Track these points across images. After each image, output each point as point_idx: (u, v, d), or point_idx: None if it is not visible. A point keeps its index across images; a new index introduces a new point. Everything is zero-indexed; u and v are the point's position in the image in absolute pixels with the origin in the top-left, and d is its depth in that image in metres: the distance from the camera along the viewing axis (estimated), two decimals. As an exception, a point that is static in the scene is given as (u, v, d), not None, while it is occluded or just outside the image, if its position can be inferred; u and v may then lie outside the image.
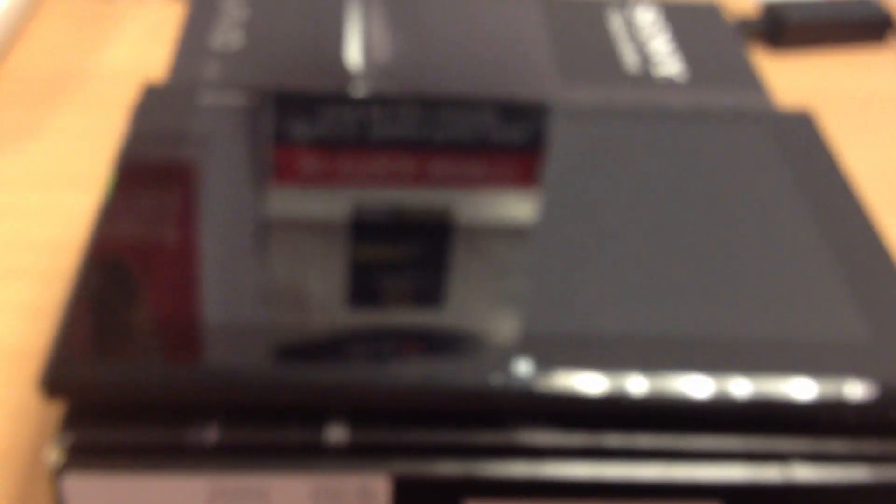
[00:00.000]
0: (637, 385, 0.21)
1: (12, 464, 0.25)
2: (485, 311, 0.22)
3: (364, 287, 0.22)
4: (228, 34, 0.33)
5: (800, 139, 0.30)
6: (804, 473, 0.21)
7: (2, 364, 0.27)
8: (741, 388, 0.21)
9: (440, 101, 0.29)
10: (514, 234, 0.25)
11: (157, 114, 0.27)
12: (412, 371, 0.21)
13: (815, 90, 0.44)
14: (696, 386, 0.21)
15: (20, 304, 0.29)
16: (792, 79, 0.44)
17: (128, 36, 0.42)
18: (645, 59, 0.34)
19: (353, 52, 0.32)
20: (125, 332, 0.21)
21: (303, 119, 0.28)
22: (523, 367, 0.21)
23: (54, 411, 0.26)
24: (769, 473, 0.21)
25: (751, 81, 0.33)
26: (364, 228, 0.24)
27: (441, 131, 0.28)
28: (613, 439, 0.21)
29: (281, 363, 0.20)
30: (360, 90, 0.30)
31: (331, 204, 0.25)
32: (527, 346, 0.21)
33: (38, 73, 0.40)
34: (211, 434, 0.20)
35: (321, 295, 0.22)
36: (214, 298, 0.22)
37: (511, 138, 0.28)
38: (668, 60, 0.34)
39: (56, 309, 0.29)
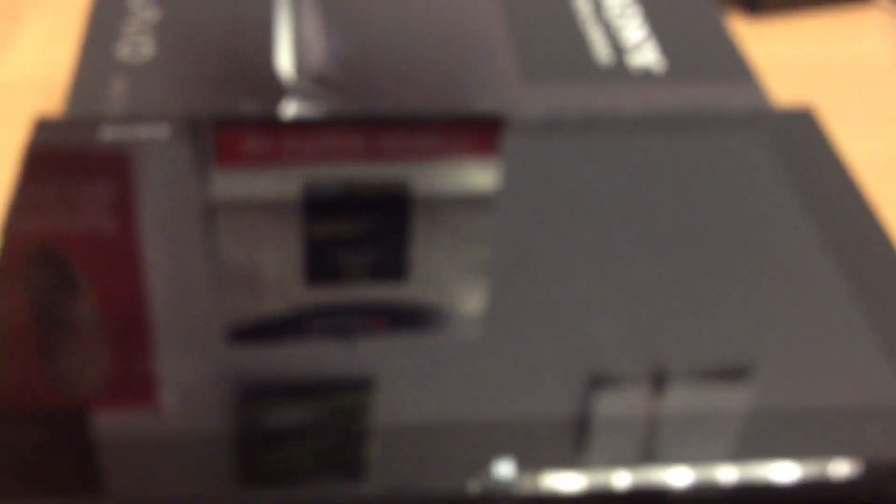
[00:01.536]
0: (627, 480, 0.17)
1: None
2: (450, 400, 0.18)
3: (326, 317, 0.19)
4: (137, 40, 0.28)
5: (802, 144, 0.26)
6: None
7: None
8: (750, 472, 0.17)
9: (385, 121, 0.25)
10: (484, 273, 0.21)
11: (51, 161, 0.22)
12: (381, 483, 0.17)
13: (797, 58, 0.40)
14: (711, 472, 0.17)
15: None
16: (772, 46, 0.40)
17: (30, 35, 0.37)
18: (617, 46, 0.30)
19: (284, 58, 0.28)
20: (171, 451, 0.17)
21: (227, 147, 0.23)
22: (503, 468, 0.17)
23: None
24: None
25: (738, 69, 0.29)
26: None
27: (387, 153, 0.24)
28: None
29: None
30: (293, 108, 0.26)
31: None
32: (503, 439, 0.18)
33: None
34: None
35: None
36: (97, 355, 0.18)
37: (469, 162, 0.24)
38: (643, 46, 0.30)
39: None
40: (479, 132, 0.25)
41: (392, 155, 0.24)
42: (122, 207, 0.22)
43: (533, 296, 0.21)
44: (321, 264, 0.21)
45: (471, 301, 0.21)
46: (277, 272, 0.21)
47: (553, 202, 0.23)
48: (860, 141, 0.36)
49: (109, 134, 0.23)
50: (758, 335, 0.20)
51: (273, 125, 0.24)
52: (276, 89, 0.27)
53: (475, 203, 0.23)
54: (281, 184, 0.23)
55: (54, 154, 0.23)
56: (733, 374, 0.20)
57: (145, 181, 0.23)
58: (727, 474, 0.18)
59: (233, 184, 0.23)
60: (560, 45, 0.30)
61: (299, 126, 0.25)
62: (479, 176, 0.24)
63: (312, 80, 0.27)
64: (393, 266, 0.21)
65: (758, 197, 0.24)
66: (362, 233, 0.22)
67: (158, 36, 0.28)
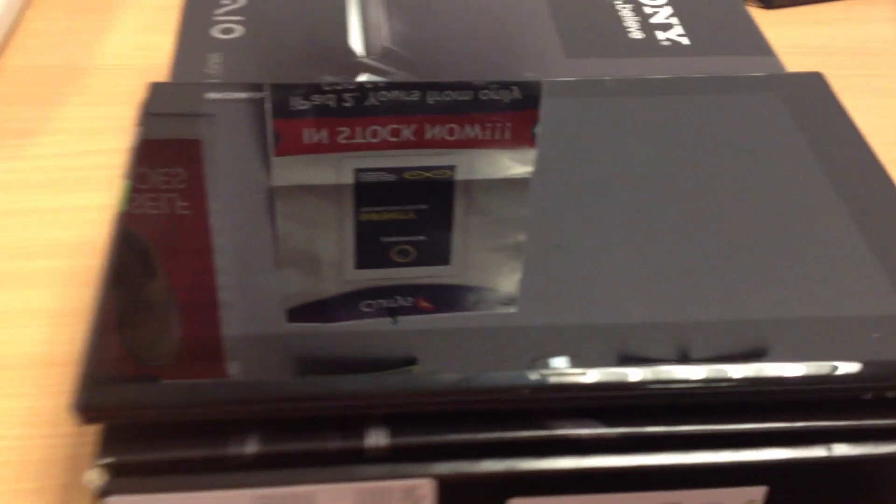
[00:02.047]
0: (675, 373, 0.21)
1: (50, 479, 0.25)
2: (514, 301, 0.22)
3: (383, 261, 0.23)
4: (228, 23, 0.32)
5: (812, 100, 0.29)
6: (847, 451, 0.21)
7: (30, 373, 0.27)
8: (782, 371, 0.21)
9: (440, 84, 0.28)
10: (527, 216, 0.24)
11: (164, 113, 0.27)
12: (447, 373, 0.20)
13: (808, 43, 0.43)
14: (734, 371, 0.21)
15: (42, 311, 0.29)
16: (784, 32, 0.44)
17: (126, 24, 0.42)
18: (647, 24, 0.34)
19: (354, 37, 0.32)
20: (156, 349, 0.20)
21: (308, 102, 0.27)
22: (559, 362, 0.21)
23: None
24: (813, 453, 0.21)
25: (756, 44, 0.33)
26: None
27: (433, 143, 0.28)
28: (655, 428, 0.21)
29: (314, 372, 0.20)
30: (363, 77, 0.30)
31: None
32: (561, 338, 0.21)
33: (38, 67, 0.39)
34: (251, 446, 0.20)
35: (338, 276, 0.22)
36: (244, 309, 0.21)
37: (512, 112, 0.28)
38: (671, 24, 0.34)
39: (79, 315, 0.29)
40: (517, 125, 0.28)
41: (436, 144, 0.27)
42: (198, 180, 0.26)
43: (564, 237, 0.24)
44: (370, 246, 0.23)
45: (510, 282, 0.23)
46: (331, 254, 0.23)
47: (586, 158, 0.27)
48: (866, 112, 0.39)
49: (212, 95, 0.28)
50: (774, 266, 0.24)
51: (327, 116, 0.27)
52: (349, 65, 0.31)
53: (514, 187, 0.25)
54: (335, 170, 0.25)
55: (165, 112, 0.27)
56: (754, 291, 0.23)
57: (216, 155, 0.26)
58: (745, 372, 0.21)
59: (291, 170, 0.25)
60: (596, 24, 0.33)
61: (350, 116, 0.27)
62: (516, 165, 0.26)
63: (379, 56, 0.31)
64: (438, 249, 0.23)
65: (773, 148, 0.27)
66: (409, 217, 0.24)
67: (246, 19, 0.32)
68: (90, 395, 0.19)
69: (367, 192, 0.25)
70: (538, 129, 0.28)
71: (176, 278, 0.22)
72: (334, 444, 0.20)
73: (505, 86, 0.29)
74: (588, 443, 0.21)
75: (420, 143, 0.27)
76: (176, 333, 0.21)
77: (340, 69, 0.30)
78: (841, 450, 0.21)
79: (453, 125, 0.27)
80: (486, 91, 0.29)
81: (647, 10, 0.34)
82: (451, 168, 0.26)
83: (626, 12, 0.34)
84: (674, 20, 0.34)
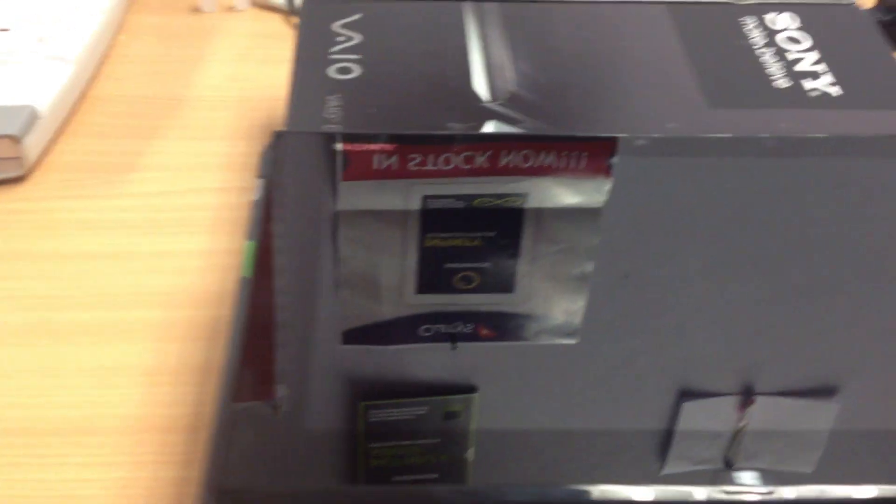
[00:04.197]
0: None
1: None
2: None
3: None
4: (346, 60, 0.30)
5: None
6: None
7: (123, 440, 0.25)
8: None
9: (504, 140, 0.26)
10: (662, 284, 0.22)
11: (289, 168, 0.25)
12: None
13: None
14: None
15: (137, 368, 0.27)
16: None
17: (220, 52, 0.40)
18: (792, 71, 0.31)
19: (479, 81, 0.29)
20: (290, 445, 0.18)
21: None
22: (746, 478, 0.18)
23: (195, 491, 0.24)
24: None
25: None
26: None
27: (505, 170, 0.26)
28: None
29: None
30: (491, 128, 0.28)
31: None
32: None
33: (130, 98, 0.37)
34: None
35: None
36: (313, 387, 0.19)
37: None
38: (817, 71, 0.31)
39: (176, 374, 0.27)
40: (594, 154, 0.26)
41: (509, 172, 0.25)
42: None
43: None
44: (434, 272, 0.22)
45: (573, 312, 0.22)
46: (392, 278, 0.22)
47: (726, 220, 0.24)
48: None
49: (338, 146, 0.25)
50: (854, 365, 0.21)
51: (398, 143, 0.26)
52: (475, 110, 0.28)
53: (586, 219, 0.24)
54: (402, 196, 0.24)
55: (291, 167, 0.25)
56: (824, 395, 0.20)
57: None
58: (807, 492, 0.19)
59: (357, 195, 0.24)
60: (738, 71, 0.31)
61: (422, 143, 0.26)
62: (590, 194, 0.25)
63: (507, 102, 0.29)
64: (502, 277, 0.22)
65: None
66: (474, 244, 0.23)
67: (364, 58, 0.30)
68: (222, 489, 0.17)
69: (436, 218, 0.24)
70: (615, 160, 0.26)
71: (309, 359, 0.20)
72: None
73: (572, 144, 0.27)
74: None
75: (493, 171, 0.25)
76: (313, 428, 0.19)
77: (466, 115, 0.28)
78: None
79: (528, 152, 0.26)
80: (550, 149, 0.27)
81: (791, 57, 0.32)
82: (523, 196, 0.25)
83: (768, 58, 0.32)
84: (820, 67, 0.31)
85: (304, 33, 0.31)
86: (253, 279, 0.21)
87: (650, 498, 0.18)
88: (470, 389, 0.20)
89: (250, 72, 0.39)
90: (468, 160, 0.26)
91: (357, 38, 0.31)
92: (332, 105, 0.28)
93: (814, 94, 0.30)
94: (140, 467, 0.25)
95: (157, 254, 0.30)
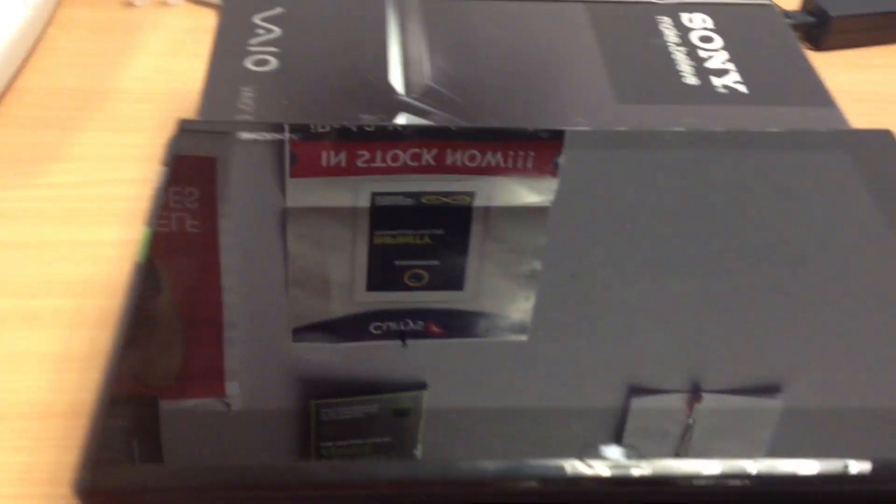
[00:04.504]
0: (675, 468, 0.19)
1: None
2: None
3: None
4: (264, 52, 0.30)
5: (882, 160, 0.27)
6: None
7: (29, 425, 0.25)
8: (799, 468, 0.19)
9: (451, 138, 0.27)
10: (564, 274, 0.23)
11: (191, 155, 0.25)
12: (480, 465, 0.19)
13: (862, 90, 0.41)
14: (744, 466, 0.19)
15: (45, 355, 0.27)
16: (836, 78, 0.42)
17: (150, 45, 0.40)
18: (702, 68, 0.32)
19: (395, 75, 0.30)
20: (165, 432, 0.18)
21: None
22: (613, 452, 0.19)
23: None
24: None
25: (818, 93, 0.31)
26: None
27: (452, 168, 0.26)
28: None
29: (329, 457, 0.18)
30: (403, 121, 0.28)
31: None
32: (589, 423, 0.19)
33: (56, 88, 0.37)
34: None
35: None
36: (260, 383, 0.19)
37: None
38: (727, 69, 0.32)
39: (86, 360, 0.27)
40: (540, 153, 0.26)
41: (456, 170, 0.26)
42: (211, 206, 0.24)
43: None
44: (384, 270, 0.23)
45: (523, 310, 0.22)
46: (342, 275, 0.22)
47: (636, 213, 0.25)
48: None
49: (244, 136, 0.26)
50: (811, 340, 0.22)
51: (346, 139, 0.26)
52: (389, 103, 0.29)
53: (532, 217, 0.24)
54: (352, 193, 0.25)
55: (193, 155, 0.25)
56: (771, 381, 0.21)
57: (234, 184, 0.25)
58: (751, 468, 0.19)
59: (306, 192, 0.25)
60: (650, 69, 0.31)
61: (369, 140, 0.26)
62: (537, 194, 0.25)
63: (420, 96, 0.29)
64: (452, 275, 0.23)
65: (839, 211, 0.25)
66: (423, 241, 0.23)
67: (281, 51, 0.30)
68: (94, 477, 0.17)
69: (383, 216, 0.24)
70: (561, 160, 0.26)
71: (194, 346, 0.20)
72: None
73: (518, 142, 0.27)
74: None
75: (440, 168, 0.26)
76: (186, 416, 0.19)
77: (379, 107, 0.29)
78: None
79: (475, 151, 0.26)
80: (496, 148, 0.27)
81: (703, 55, 0.32)
82: (471, 194, 0.25)
83: (680, 56, 0.32)
84: (730, 66, 0.32)
85: (223, 25, 0.32)
86: (146, 265, 0.22)
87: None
88: (420, 387, 0.20)
89: (179, 65, 0.39)
90: (415, 157, 0.26)
91: (277, 31, 0.31)
92: (246, 96, 0.28)
93: (721, 90, 0.31)
94: (43, 452, 0.25)
95: (71, 243, 0.31)
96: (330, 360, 0.20)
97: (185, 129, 0.26)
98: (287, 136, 0.26)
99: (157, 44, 0.40)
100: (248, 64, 0.30)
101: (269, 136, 0.26)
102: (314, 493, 0.18)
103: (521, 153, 0.26)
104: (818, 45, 0.44)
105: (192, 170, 0.25)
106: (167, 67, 0.39)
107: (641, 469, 0.19)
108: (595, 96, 0.30)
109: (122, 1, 0.43)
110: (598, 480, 0.19)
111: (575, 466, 0.19)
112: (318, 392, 0.19)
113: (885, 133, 0.28)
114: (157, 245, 0.22)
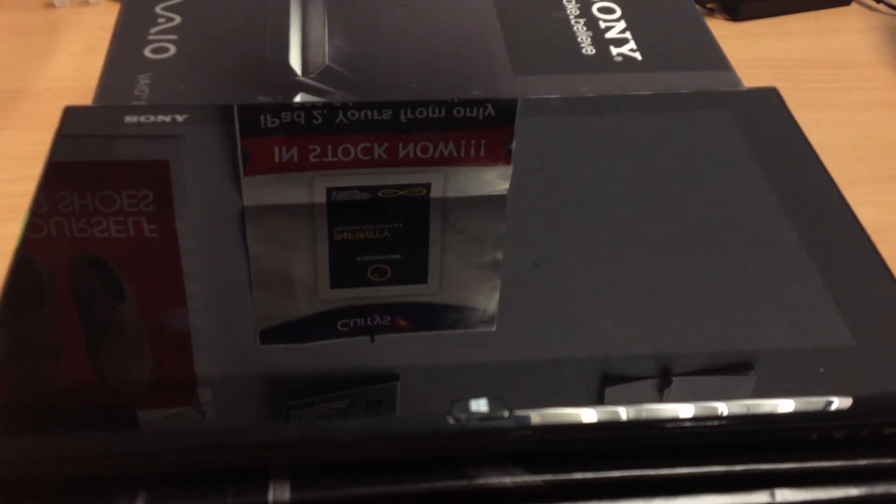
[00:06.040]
0: (609, 415, 0.19)
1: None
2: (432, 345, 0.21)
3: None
4: (163, 40, 0.31)
5: (767, 117, 0.28)
6: (792, 497, 0.20)
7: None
8: (722, 410, 0.19)
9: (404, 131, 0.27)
10: (485, 238, 0.23)
11: (77, 141, 0.25)
12: (352, 422, 0.19)
13: (778, 57, 0.42)
14: (672, 412, 0.19)
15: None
16: (753, 46, 0.42)
17: (70, 45, 0.40)
18: (601, 39, 0.32)
19: (294, 56, 0.30)
20: (45, 402, 0.19)
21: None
22: (480, 405, 0.19)
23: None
24: (757, 500, 0.20)
25: (714, 58, 0.32)
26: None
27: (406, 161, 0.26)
28: (587, 475, 0.19)
29: (213, 423, 0.19)
30: (301, 100, 0.29)
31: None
32: (482, 378, 0.20)
33: (-26, 91, 0.38)
34: (141, 502, 0.19)
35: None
36: (140, 354, 0.20)
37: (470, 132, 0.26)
38: (625, 38, 0.32)
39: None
40: (491, 142, 0.27)
41: (409, 162, 0.26)
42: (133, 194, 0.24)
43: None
44: (347, 266, 0.22)
45: (488, 300, 0.22)
46: (305, 274, 0.22)
47: (540, 176, 0.26)
48: (828, 126, 0.38)
49: (133, 120, 0.26)
50: (715, 294, 0.22)
51: (297, 134, 0.26)
52: (286, 84, 0.29)
53: (490, 207, 0.25)
54: (307, 189, 0.25)
55: (81, 139, 0.25)
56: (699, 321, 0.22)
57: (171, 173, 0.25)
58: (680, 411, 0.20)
59: (261, 190, 0.25)
60: (549, 41, 0.32)
61: (321, 134, 0.26)
62: (492, 182, 0.25)
63: (317, 76, 0.30)
64: (414, 268, 0.23)
65: (723, 168, 0.26)
66: (384, 236, 0.23)
67: (180, 38, 0.31)
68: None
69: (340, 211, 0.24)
70: (512, 146, 0.27)
71: (71, 322, 0.21)
72: (235, 500, 0.19)
73: (478, 103, 0.27)
74: (512, 493, 0.19)
75: (393, 161, 0.26)
76: (67, 383, 0.19)
77: (276, 88, 0.29)
78: (785, 496, 0.20)
79: (427, 143, 0.26)
80: (459, 108, 0.27)
81: (602, 26, 0.33)
82: (426, 186, 0.25)
83: (580, 28, 0.33)
84: (628, 34, 0.33)
85: (123, 15, 0.32)
86: (20, 248, 0.22)
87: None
88: (392, 379, 0.20)
89: (99, 63, 0.40)
90: (366, 151, 0.26)
91: (178, 20, 0.32)
92: (142, 83, 0.29)
93: (617, 59, 0.31)
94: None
95: (-18, 238, 0.31)
96: (299, 361, 0.20)
97: (71, 115, 0.26)
98: (177, 117, 0.26)
99: (77, 42, 0.41)
100: (147, 52, 0.30)
101: (157, 118, 0.26)
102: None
103: (473, 143, 0.27)
104: (736, 16, 0.44)
105: (79, 155, 0.25)
106: (88, 65, 0.39)
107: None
108: (492, 69, 0.30)
109: (44, 3, 0.43)
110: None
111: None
112: (289, 394, 0.19)
113: (771, 91, 0.29)
114: (35, 232, 0.22)
